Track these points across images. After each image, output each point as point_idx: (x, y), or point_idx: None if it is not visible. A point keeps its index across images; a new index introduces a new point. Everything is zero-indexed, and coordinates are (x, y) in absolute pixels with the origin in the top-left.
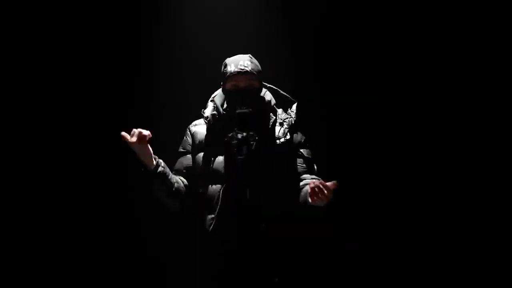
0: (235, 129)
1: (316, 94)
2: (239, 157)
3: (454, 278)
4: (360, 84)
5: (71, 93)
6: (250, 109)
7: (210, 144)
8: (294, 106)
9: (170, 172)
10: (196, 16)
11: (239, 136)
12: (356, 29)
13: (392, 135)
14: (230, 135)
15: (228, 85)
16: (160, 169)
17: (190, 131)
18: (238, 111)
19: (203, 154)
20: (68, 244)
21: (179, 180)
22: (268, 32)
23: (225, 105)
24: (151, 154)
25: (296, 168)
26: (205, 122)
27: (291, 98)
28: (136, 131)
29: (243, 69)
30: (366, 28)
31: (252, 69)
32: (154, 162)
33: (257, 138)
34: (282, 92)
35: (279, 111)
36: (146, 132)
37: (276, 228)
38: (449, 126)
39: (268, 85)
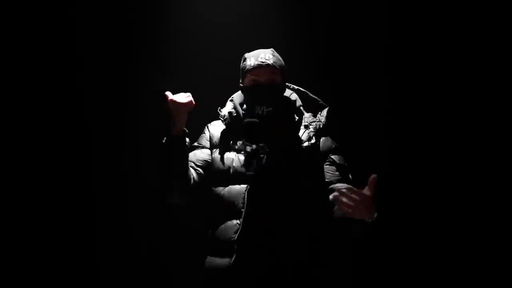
0: (244, 140)
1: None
2: (249, 173)
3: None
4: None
5: (70, 95)
6: (272, 109)
7: (228, 144)
8: (325, 111)
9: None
10: (196, 16)
11: (248, 149)
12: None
13: (404, 135)
14: (238, 147)
15: (247, 81)
16: (187, 140)
17: (208, 128)
18: (246, 120)
19: (221, 154)
20: (68, 245)
21: (191, 169)
22: (270, 31)
23: (244, 106)
24: (185, 123)
25: (323, 177)
26: (222, 121)
27: (323, 103)
28: (186, 94)
29: (263, 62)
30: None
31: (274, 62)
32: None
33: (267, 150)
34: (311, 95)
35: (307, 114)
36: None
37: (299, 243)
38: (463, 125)
39: (296, 87)
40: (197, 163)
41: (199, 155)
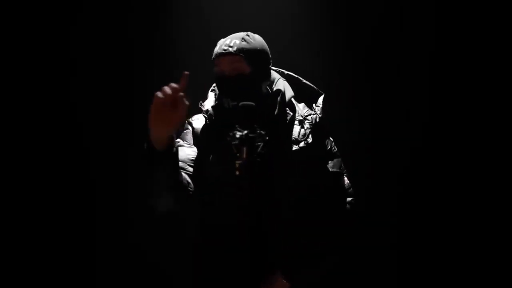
0: (236, 126)
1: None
2: (238, 161)
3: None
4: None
5: (65, 95)
6: (238, 103)
7: (211, 143)
8: (321, 100)
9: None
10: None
11: (238, 134)
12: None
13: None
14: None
15: (216, 69)
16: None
17: (190, 123)
18: (241, 103)
19: (203, 155)
20: (67, 246)
21: (185, 175)
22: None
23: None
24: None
25: (313, 180)
26: (205, 116)
27: (318, 89)
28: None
29: (225, 50)
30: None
31: (238, 49)
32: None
33: (267, 138)
34: (305, 81)
35: (300, 106)
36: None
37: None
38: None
39: (286, 72)
40: (189, 163)
41: (191, 154)
